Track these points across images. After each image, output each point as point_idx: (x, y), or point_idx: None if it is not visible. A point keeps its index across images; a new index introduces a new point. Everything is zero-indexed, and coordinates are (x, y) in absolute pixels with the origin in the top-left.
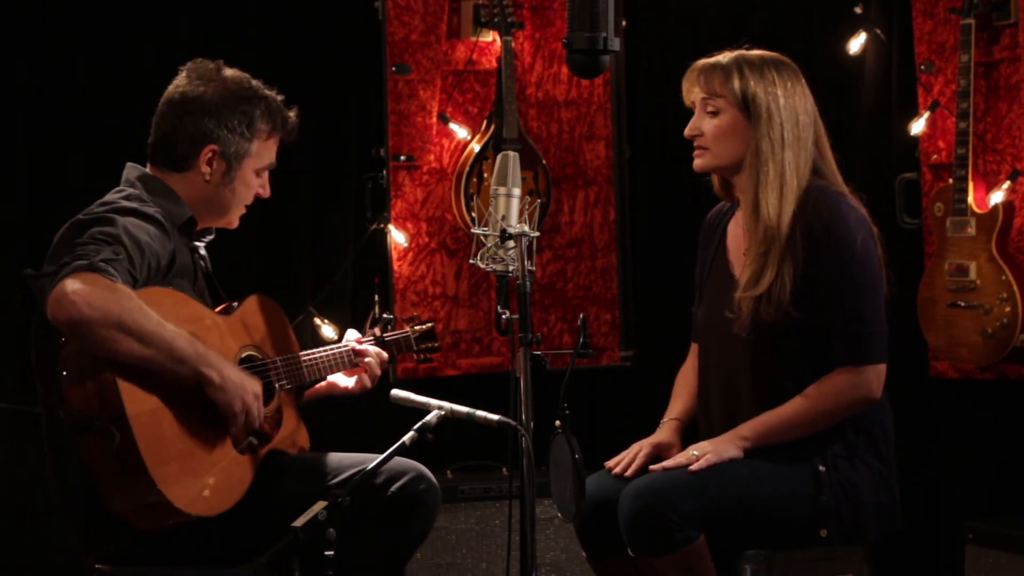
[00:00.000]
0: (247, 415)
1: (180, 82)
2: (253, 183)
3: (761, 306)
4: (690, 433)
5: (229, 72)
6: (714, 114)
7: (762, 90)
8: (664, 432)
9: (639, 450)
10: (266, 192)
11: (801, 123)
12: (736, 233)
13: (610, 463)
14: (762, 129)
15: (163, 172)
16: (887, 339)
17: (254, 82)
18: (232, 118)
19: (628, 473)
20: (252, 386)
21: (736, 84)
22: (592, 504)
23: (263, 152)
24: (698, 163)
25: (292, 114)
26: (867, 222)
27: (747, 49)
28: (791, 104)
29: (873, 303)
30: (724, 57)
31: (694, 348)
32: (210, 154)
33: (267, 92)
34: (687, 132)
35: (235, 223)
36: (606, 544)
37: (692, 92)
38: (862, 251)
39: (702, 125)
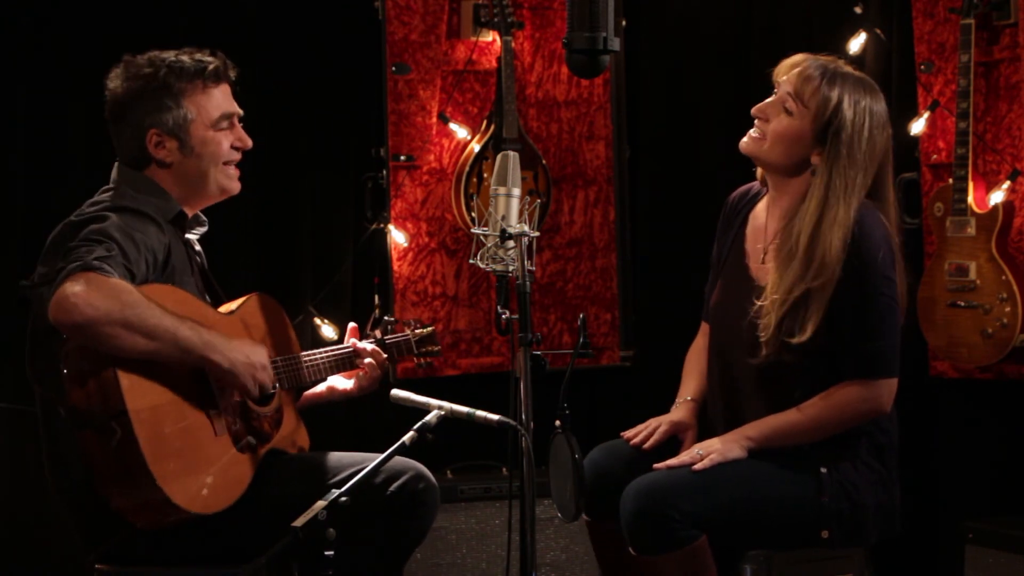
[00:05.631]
0: (261, 388)
1: (106, 94)
2: (219, 139)
3: (789, 349)
4: (706, 414)
5: (136, 59)
6: (789, 113)
7: (849, 124)
8: (681, 411)
9: (658, 425)
10: (244, 142)
11: (875, 170)
12: (756, 226)
13: (627, 433)
14: (840, 166)
15: (139, 172)
16: (900, 354)
17: (163, 54)
18: (151, 98)
19: (646, 446)
20: (258, 358)
21: (828, 109)
22: (598, 474)
23: (205, 107)
24: (746, 145)
25: (208, 57)
26: (890, 239)
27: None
28: (871, 150)
29: (889, 320)
30: (830, 65)
31: (704, 327)
32: (155, 138)
33: (174, 56)
34: (754, 110)
35: (232, 187)
36: (605, 511)
37: (782, 78)
38: (882, 267)
39: (772, 115)
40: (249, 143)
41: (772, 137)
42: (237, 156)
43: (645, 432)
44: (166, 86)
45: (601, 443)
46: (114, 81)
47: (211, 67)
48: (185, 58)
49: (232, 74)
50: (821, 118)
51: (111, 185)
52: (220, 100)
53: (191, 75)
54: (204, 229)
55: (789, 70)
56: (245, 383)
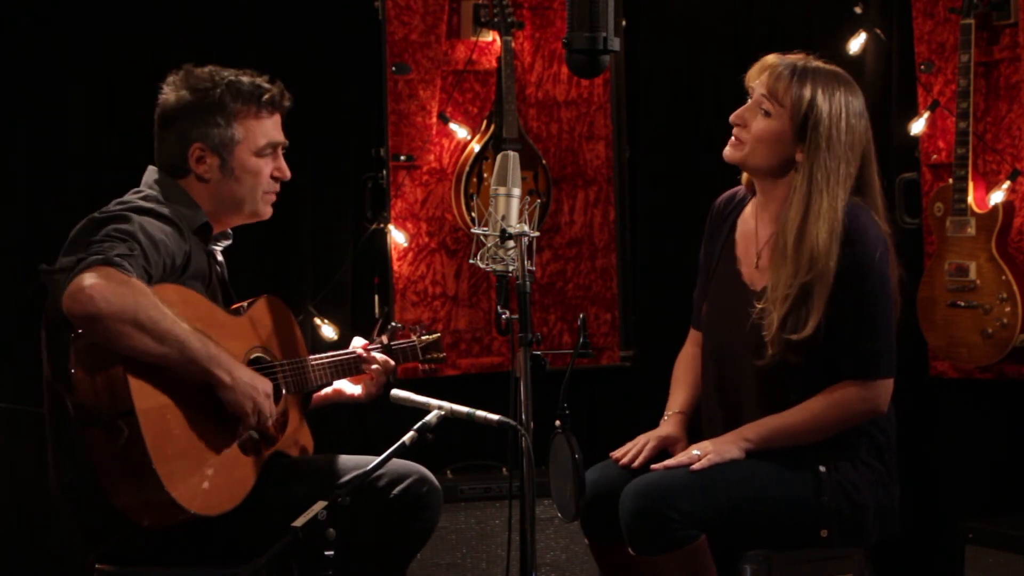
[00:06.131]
0: (259, 415)
1: (159, 99)
2: (260, 167)
3: (794, 348)
4: (696, 425)
5: (196, 71)
6: (767, 114)
7: (826, 116)
8: (670, 425)
9: (646, 442)
10: (284, 173)
11: (858, 160)
12: (746, 231)
13: (616, 453)
14: (820, 159)
15: (173, 180)
16: (896, 354)
17: (223, 71)
18: (203, 112)
19: (635, 465)
20: (263, 386)
21: (803, 104)
22: (594, 493)
23: (254, 133)
24: (729, 153)
25: (266, 84)
26: (884, 238)
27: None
28: (851, 140)
29: (885, 319)
30: (799, 62)
31: (694, 335)
32: (198, 152)
33: (234, 76)
34: (732, 118)
35: (265, 213)
36: (607, 531)
37: (754, 81)
38: (879, 267)
39: (750, 119)
40: (288, 175)
41: (753, 140)
42: (276, 186)
43: (634, 451)
44: (221, 104)
45: (595, 459)
46: (170, 87)
47: (268, 95)
48: (245, 79)
49: (287, 104)
50: (798, 114)
51: (142, 188)
52: (269, 128)
53: (247, 98)
54: (228, 242)
55: (760, 73)
56: (243, 404)
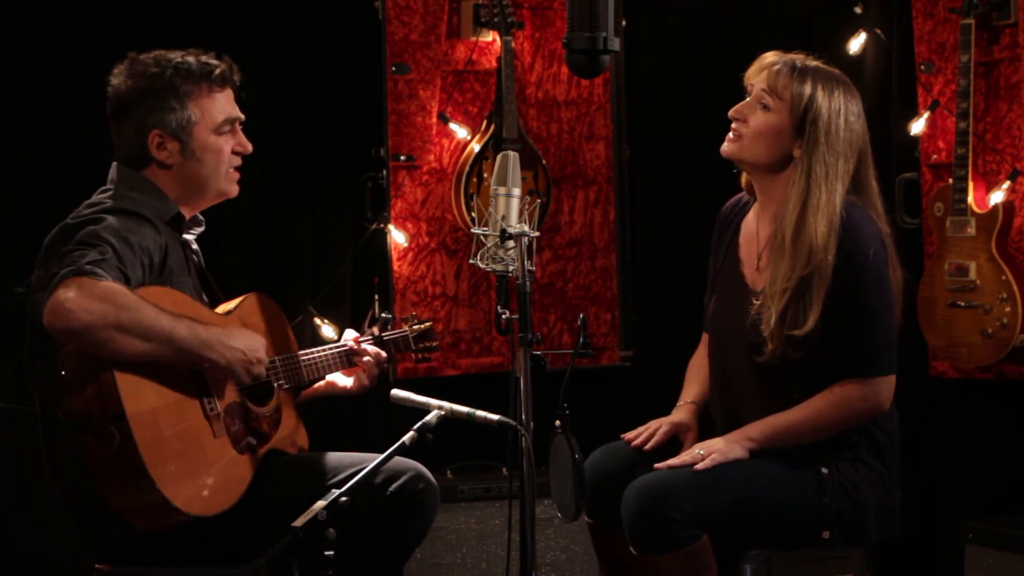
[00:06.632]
0: (256, 378)
1: (108, 91)
2: (221, 145)
3: (794, 344)
4: (706, 417)
5: (141, 58)
6: (766, 108)
7: (826, 112)
8: (682, 413)
9: (658, 426)
10: (245, 147)
11: (855, 158)
12: (748, 233)
13: (628, 435)
14: (819, 154)
15: (137, 172)
16: (897, 351)
17: (169, 54)
18: (156, 98)
19: (647, 447)
20: (254, 351)
21: (803, 99)
22: (601, 475)
23: (210, 111)
24: (727, 148)
25: (214, 61)
26: (880, 234)
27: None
28: (849, 138)
29: (885, 316)
30: (799, 61)
31: (705, 338)
32: (157, 139)
33: (180, 57)
34: (731, 112)
35: (231, 191)
36: (609, 516)
37: (754, 78)
38: (874, 263)
39: (748, 114)
40: (249, 148)
41: (752, 134)
42: (237, 161)
43: (646, 434)
44: (172, 87)
45: (602, 445)
46: (118, 78)
47: (217, 71)
48: (191, 60)
49: (237, 78)
50: (798, 109)
51: (109, 186)
52: (224, 104)
53: (197, 78)
54: (201, 229)
55: (760, 70)
56: (241, 378)
